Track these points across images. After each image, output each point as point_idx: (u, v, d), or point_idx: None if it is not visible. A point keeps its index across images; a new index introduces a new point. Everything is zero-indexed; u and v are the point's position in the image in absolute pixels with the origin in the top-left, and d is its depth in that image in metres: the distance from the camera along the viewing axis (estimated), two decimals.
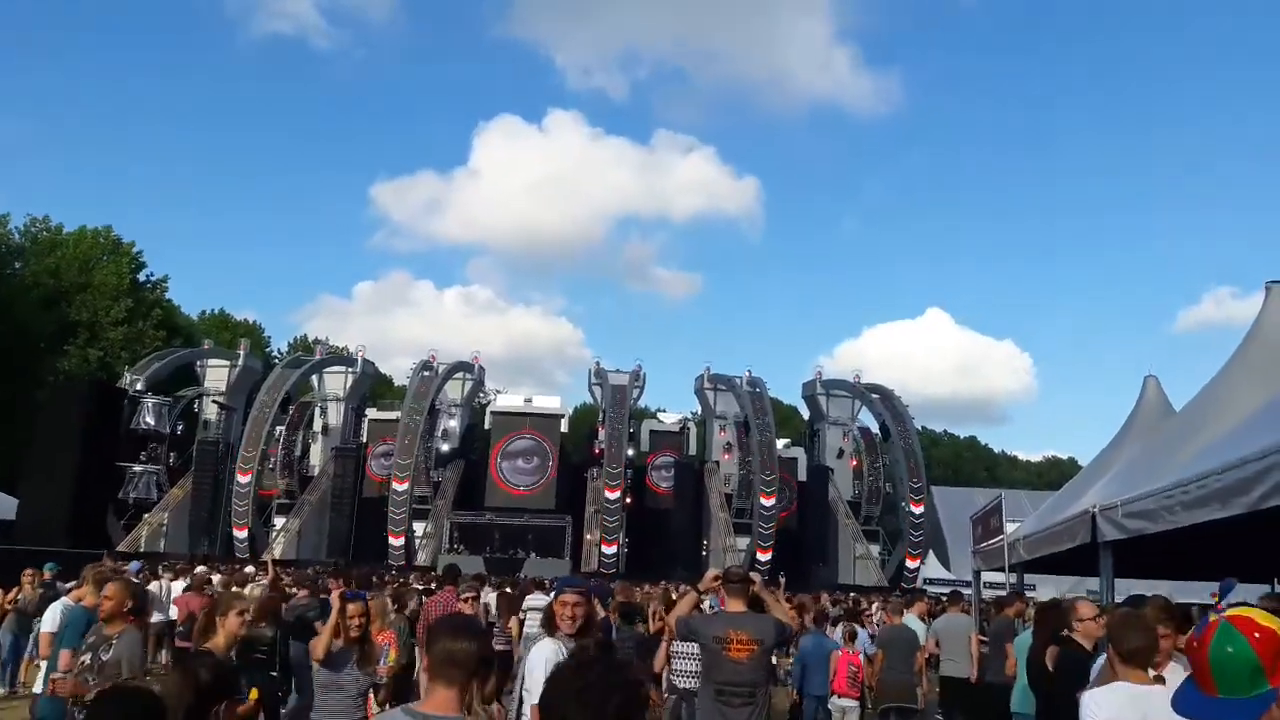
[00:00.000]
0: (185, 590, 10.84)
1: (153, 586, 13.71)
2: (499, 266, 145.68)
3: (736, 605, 5.44)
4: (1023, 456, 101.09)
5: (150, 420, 45.26)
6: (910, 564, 45.85)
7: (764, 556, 44.24)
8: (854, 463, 51.70)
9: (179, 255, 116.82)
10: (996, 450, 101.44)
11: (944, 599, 22.89)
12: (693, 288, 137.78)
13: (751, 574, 5.72)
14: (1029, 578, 11.64)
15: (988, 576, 15.75)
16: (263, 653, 6.36)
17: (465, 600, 7.33)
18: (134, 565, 11.51)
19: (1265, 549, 9.14)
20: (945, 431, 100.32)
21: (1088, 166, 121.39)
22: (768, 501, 44.48)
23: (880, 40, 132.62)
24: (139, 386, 45.22)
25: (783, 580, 23.38)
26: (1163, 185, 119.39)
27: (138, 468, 45.29)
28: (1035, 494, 36.14)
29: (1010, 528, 11.27)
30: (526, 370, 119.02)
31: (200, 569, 13.72)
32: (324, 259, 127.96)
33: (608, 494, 44.14)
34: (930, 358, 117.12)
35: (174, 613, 12.28)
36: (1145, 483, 6.13)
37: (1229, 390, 6.41)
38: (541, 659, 4.65)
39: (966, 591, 13.31)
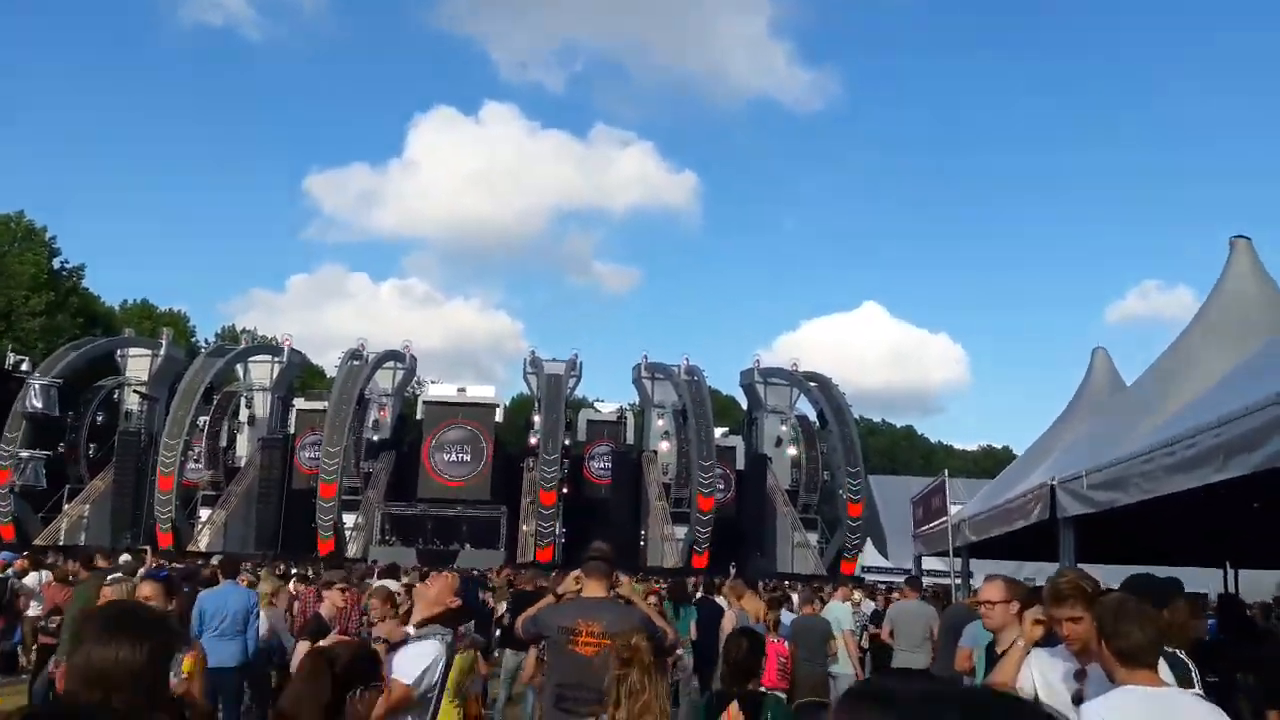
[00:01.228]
0: (50, 583, 9.93)
1: (29, 579, 12.73)
2: (436, 259, 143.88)
3: (595, 589, 4.57)
4: (959, 446, 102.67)
5: (38, 403, 42.38)
6: (853, 519, 45.94)
7: (705, 510, 43.93)
8: (792, 451, 51.69)
9: (103, 246, 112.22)
10: (933, 440, 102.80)
11: (888, 587, 22.57)
12: (632, 281, 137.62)
13: (621, 575, 5.04)
14: (974, 564, 11.24)
15: (930, 563, 15.46)
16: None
17: (338, 590, 6.43)
18: (3, 555, 10.55)
19: (1221, 529, 8.88)
20: (883, 420, 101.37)
21: (1019, 162, 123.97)
22: (705, 507, 44.09)
23: (816, 36, 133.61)
24: (24, 367, 42.86)
25: (734, 570, 22.92)
26: (1090, 181, 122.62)
27: (24, 453, 42.60)
28: (973, 481, 36.32)
29: (954, 510, 10.88)
30: (465, 363, 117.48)
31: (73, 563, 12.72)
32: (256, 251, 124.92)
33: (543, 503, 43.43)
34: (866, 350, 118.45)
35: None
36: (1109, 453, 5.67)
37: (1197, 350, 5.99)
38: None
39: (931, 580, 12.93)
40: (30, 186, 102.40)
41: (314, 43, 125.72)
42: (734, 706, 4.20)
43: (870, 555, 47.00)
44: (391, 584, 13.93)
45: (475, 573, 19.60)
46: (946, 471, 10.71)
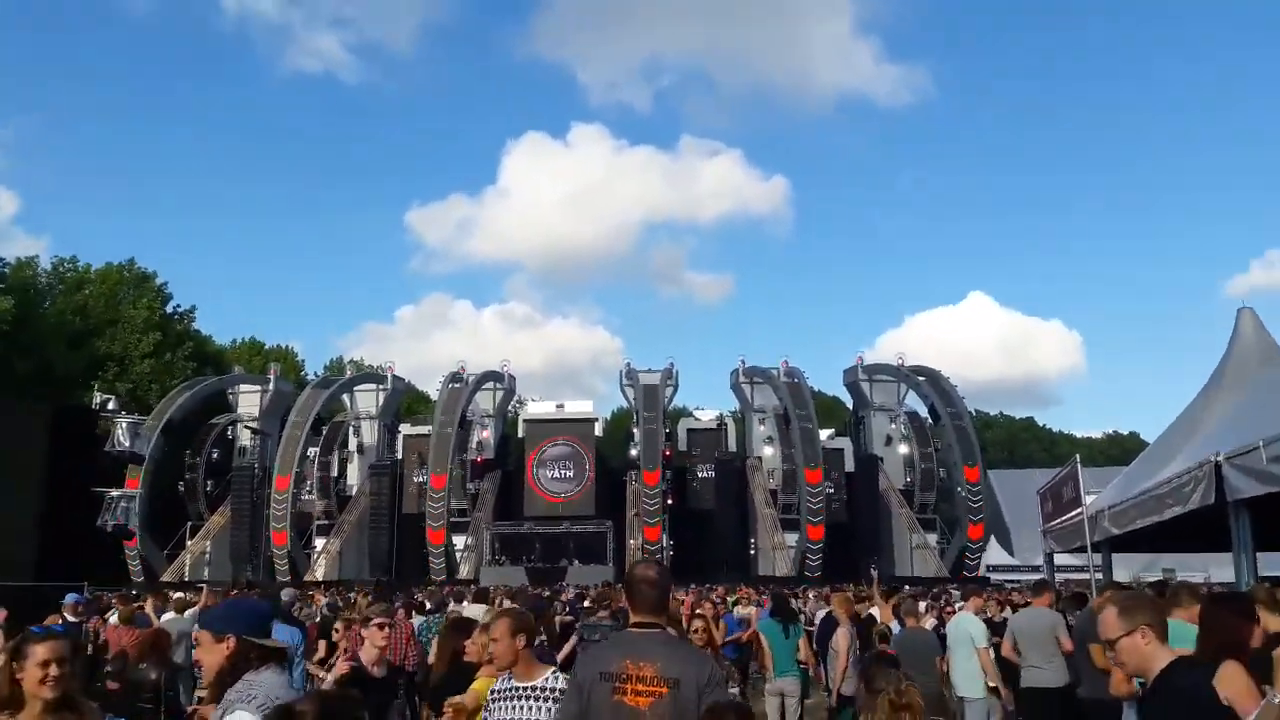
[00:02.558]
0: (116, 625, 9.64)
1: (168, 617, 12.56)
2: (533, 282, 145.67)
3: (644, 615, 3.53)
4: (1081, 434, 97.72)
5: (125, 441, 42.14)
6: (972, 541, 43.51)
7: (816, 540, 42.53)
8: (904, 449, 49.69)
9: (218, 293, 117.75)
10: (1054, 430, 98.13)
11: (1018, 590, 20.70)
12: (725, 289, 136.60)
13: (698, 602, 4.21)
14: (1116, 559, 9.97)
15: (1063, 559, 14.08)
16: (147, 700, 5.02)
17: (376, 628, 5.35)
18: (70, 597, 10.34)
19: None
20: (1000, 413, 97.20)
21: (1128, 142, 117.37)
22: (814, 481, 42.68)
23: (902, 30, 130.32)
24: (110, 406, 42.46)
25: (875, 576, 21.26)
26: (1208, 154, 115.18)
27: (115, 493, 42.31)
28: (1103, 470, 34.04)
29: (1089, 500, 9.65)
30: (567, 381, 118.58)
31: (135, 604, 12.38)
32: (365, 286, 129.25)
33: (646, 483, 42.74)
34: (975, 342, 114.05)
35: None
36: None
37: None
38: None
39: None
40: (140, 233, 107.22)
41: (407, 82, 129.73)
42: None
43: (995, 553, 44.71)
44: (478, 609, 13.35)
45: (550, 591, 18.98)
46: (1078, 458, 9.46)
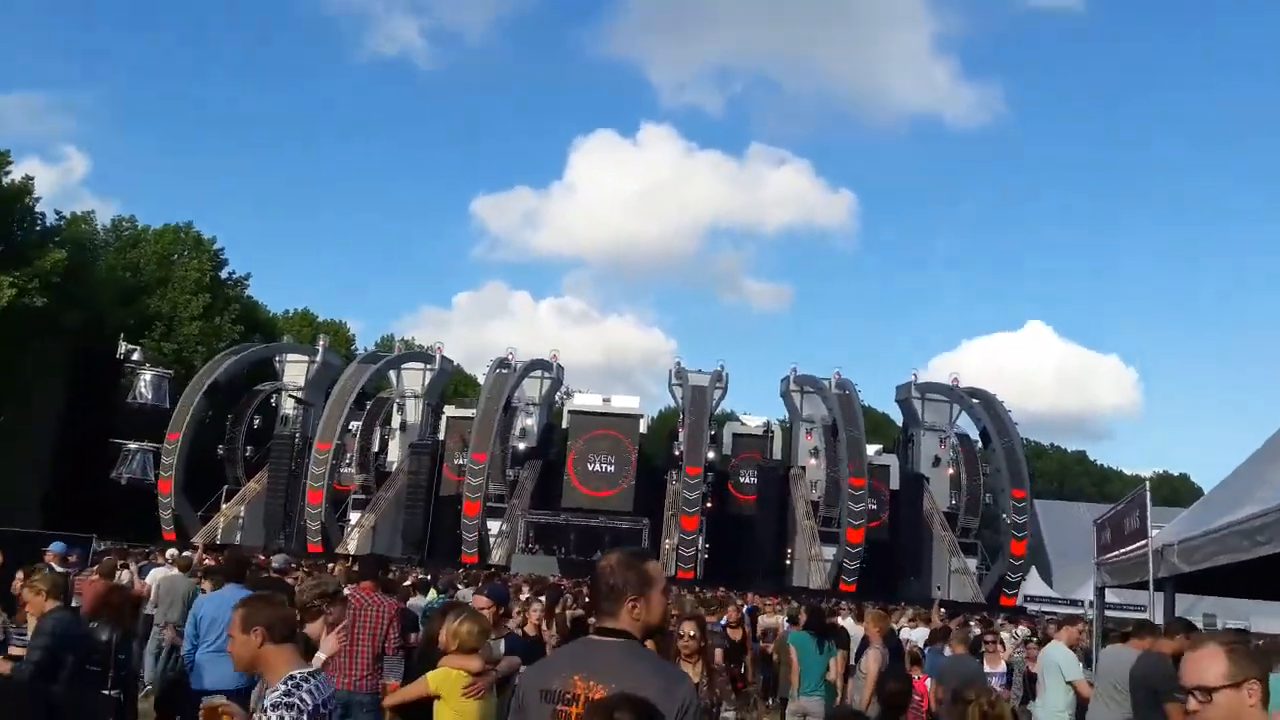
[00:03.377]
0: (94, 577, 9.31)
1: (154, 574, 12.39)
2: (593, 278, 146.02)
3: (608, 618, 2.71)
4: (1131, 472, 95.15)
5: (147, 394, 41.62)
6: (1015, 558, 42.23)
7: (855, 544, 41.69)
8: (950, 471, 48.65)
9: (276, 263, 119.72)
10: (1106, 466, 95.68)
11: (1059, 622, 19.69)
12: (784, 299, 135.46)
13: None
14: (1181, 600, 9.25)
15: (1115, 596, 13.30)
16: (96, 663, 4.61)
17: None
18: (55, 546, 9.92)
19: None
20: (1052, 444, 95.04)
21: (1191, 175, 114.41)
22: (855, 540, 41.80)
23: (979, 50, 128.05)
24: (135, 357, 41.64)
25: (938, 599, 20.32)
26: (1268, 192, 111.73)
27: (133, 445, 41.68)
28: (1155, 510, 32.85)
29: (1155, 534, 8.95)
30: (619, 380, 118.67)
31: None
32: (425, 270, 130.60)
33: (688, 474, 42.23)
34: (1031, 371, 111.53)
35: None
36: None
37: None
38: None
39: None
40: (202, 200, 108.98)
41: (481, 72, 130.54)
42: None
43: (1034, 584, 43.57)
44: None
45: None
46: (1148, 484, 8.78)
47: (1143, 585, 9.31)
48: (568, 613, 10.99)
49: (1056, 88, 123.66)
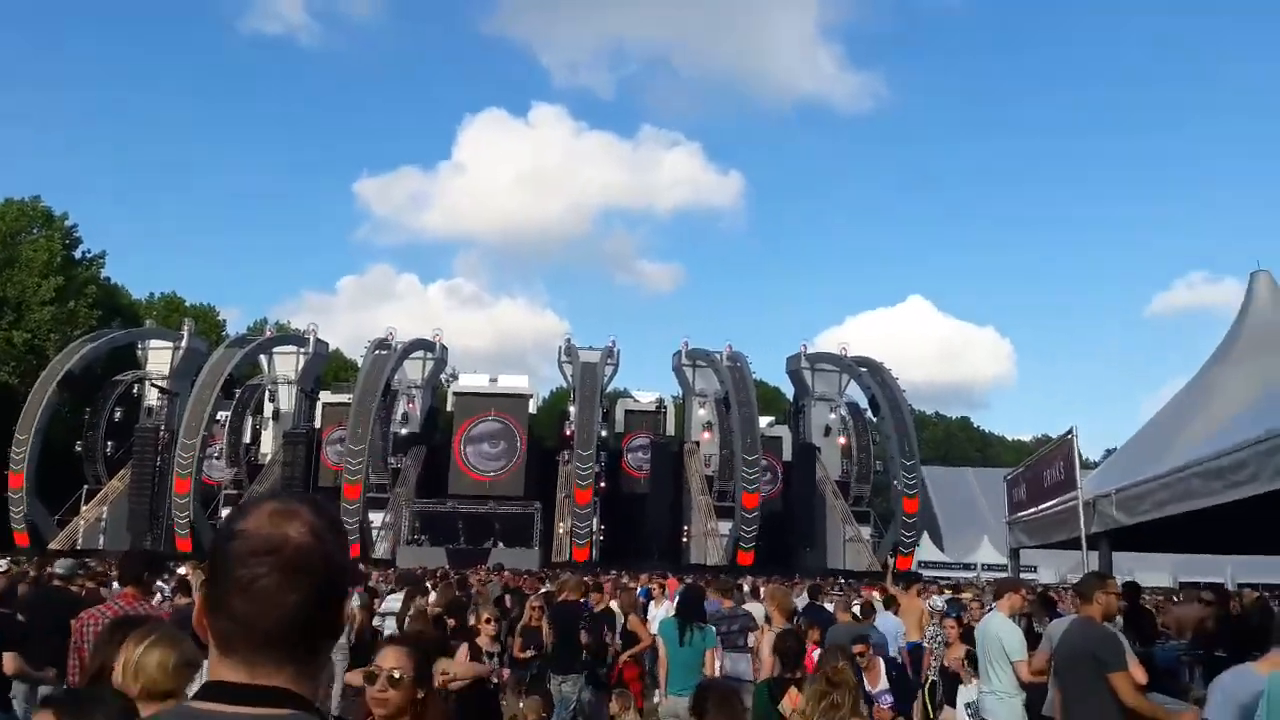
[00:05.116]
0: None
1: None
2: (484, 260, 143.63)
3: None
4: (1012, 437, 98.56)
5: None
6: (908, 515, 42.53)
7: (751, 508, 41.26)
8: (842, 440, 48.78)
9: (140, 244, 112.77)
10: (988, 431, 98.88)
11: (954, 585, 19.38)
12: (676, 279, 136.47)
13: None
14: (1119, 558, 8.45)
15: (989, 557, 12.68)
16: None
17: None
18: None
19: None
20: (936, 413, 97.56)
21: (1063, 157, 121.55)
22: (750, 504, 41.33)
23: (864, 38, 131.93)
24: None
25: (891, 563, 19.43)
26: (1137, 173, 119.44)
27: None
28: None
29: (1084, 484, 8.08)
30: (512, 363, 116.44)
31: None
32: (306, 253, 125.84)
33: (578, 500, 40.93)
34: (913, 344, 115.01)
35: None
36: None
37: None
38: None
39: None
40: (51, 174, 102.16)
41: (366, 50, 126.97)
42: (793, 690, 4.68)
43: (927, 550, 44.23)
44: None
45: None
46: (1075, 428, 7.90)
47: (1070, 544, 8.51)
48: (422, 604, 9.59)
49: (937, 75, 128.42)
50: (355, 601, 11.29)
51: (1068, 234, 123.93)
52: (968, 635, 7.81)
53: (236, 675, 1.19)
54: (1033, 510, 9.84)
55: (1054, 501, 8.83)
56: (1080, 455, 7.92)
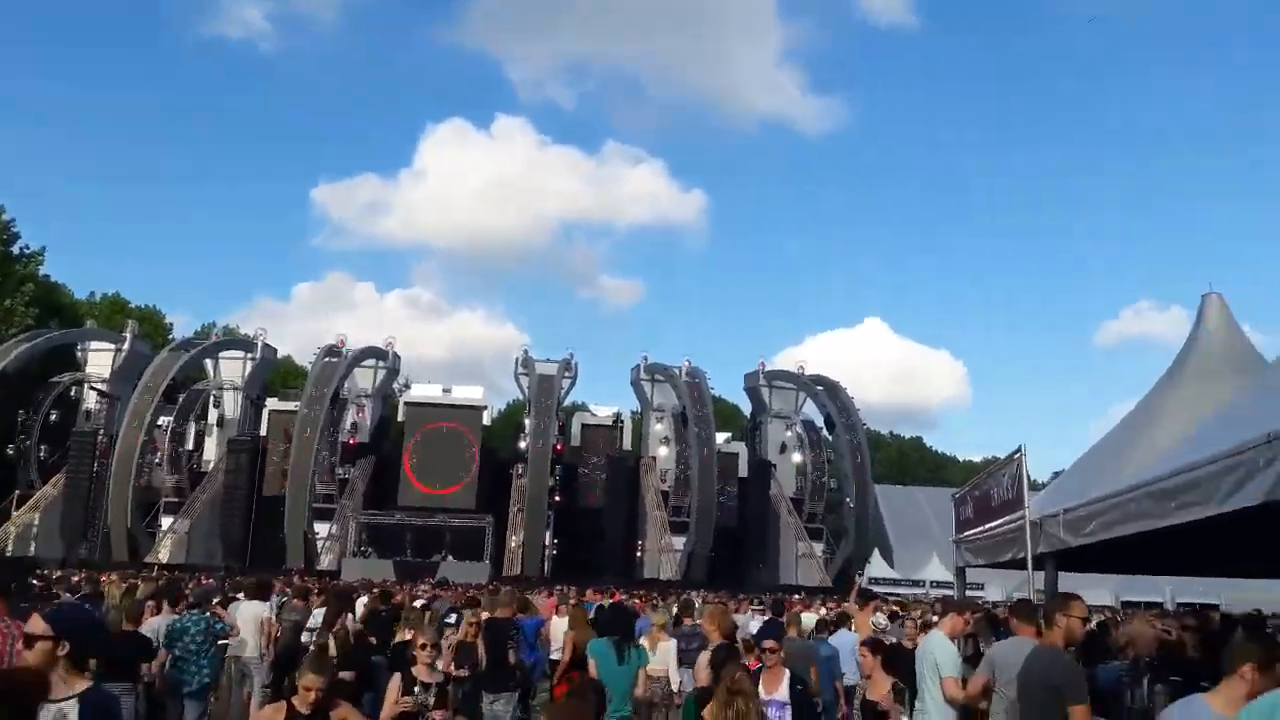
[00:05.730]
0: None
1: None
2: (443, 271, 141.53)
3: None
4: (964, 458, 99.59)
5: None
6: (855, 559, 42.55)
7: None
8: (797, 458, 48.79)
9: (87, 244, 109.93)
10: (940, 452, 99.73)
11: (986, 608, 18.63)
12: (637, 295, 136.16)
13: None
14: (1066, 579, 8.19)
15: (936, 574, 12.44)
16: None
17: None
18: None
19: None
20: (891, 432, 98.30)
21: (1018, 185, 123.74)
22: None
23: (825, 63, 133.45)
24: None
25: (858, 581, 18.81)
26: (1088, 204, 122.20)
27: None
28: None
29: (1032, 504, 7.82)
30: (469, 375, 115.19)
31: None
32: (261, 259, 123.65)
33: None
34: (869, 365, 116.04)
35: None
36: None
37: None
38: None
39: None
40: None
41: (328, 57, 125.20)
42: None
43: (877, 566, 44.22)
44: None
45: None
46: (1024, 446, 7.64)
47: (1016, 563, 8.24)
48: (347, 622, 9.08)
49: (895, 101, 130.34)
50: (267, 612, 10.77)
51: (1022, 260, 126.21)
52: (898, 662, 7.43)
53: None
54: (980, 529, 9.58)
55: (1001, 521, 8.57)
56: (1029, 476, 7.65)
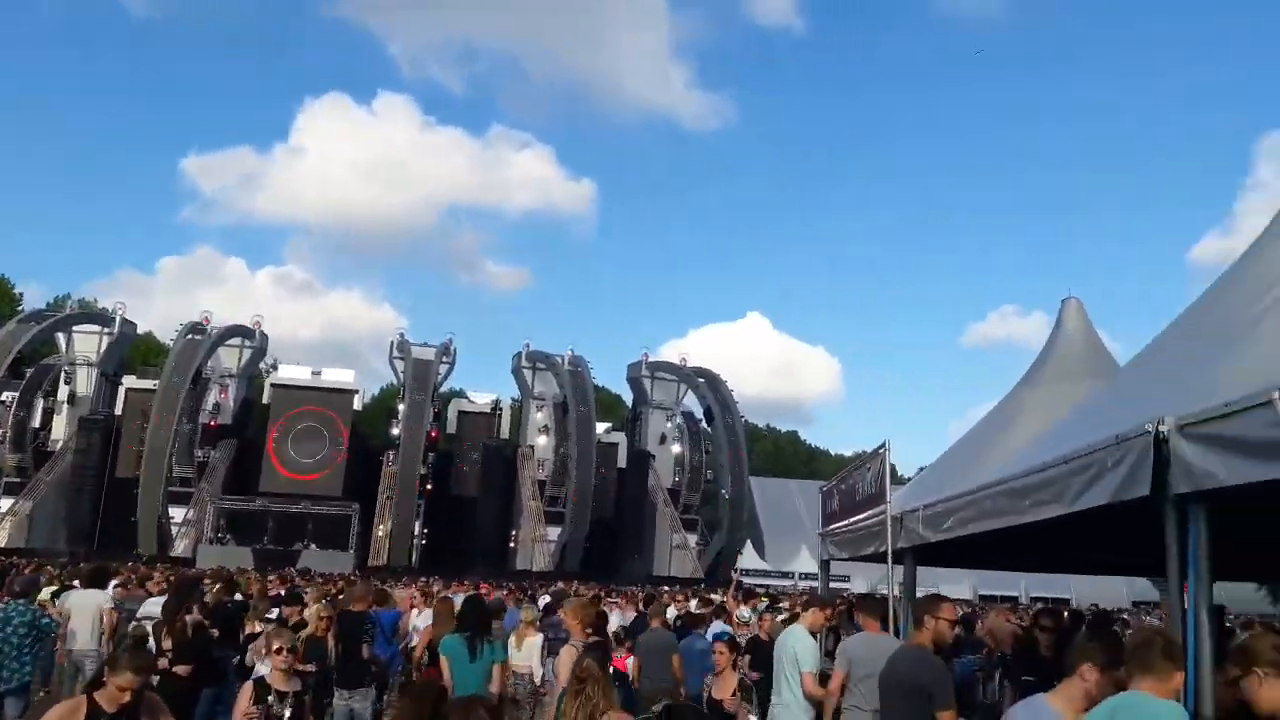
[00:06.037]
0: None
1: None
2: (319, 249, 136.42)
3: None
4: (835, 452, 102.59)
5: None
6: (728, 551, 43.20)
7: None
8: (676, 449, 49.21)
9: None
10: (814, 445, 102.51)
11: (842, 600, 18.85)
12: (521, 282, 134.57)
13: None
14: (924, 573, 8.30)
15: (806, 567, 12.64)
16: None
17: None
18: None
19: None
20: (768, 425, 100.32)
21: (895, 189, 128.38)
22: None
23: (713, 60, 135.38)
24: None
25: (736, 579, 18.76)
26: (961, 209, 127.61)
27: None
28: None
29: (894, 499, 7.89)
30: (343, 357, 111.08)
31: None
32: (123, 229, 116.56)
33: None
34: (750, 359, 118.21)
35: None
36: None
37: None
38: None
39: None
40: None
41: (203, 21, 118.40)
42: None
43: (749, 558, 45.00)
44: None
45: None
46: (889, 442, 7.70)
47: (879, 557, 8.33)
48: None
49: (779, 98, 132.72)
50: (105, 601, 10.03)
51: (896, 261, 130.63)
52: (757, 655, 7.39)
53: None
54: (844, 523, 9.65)
55: (864, 515, 8.63)
56: (895, 472, 7.72)
